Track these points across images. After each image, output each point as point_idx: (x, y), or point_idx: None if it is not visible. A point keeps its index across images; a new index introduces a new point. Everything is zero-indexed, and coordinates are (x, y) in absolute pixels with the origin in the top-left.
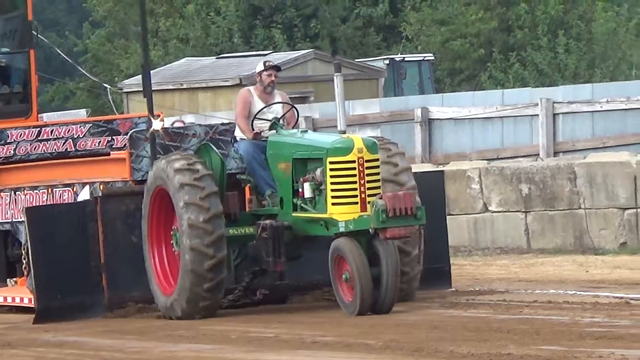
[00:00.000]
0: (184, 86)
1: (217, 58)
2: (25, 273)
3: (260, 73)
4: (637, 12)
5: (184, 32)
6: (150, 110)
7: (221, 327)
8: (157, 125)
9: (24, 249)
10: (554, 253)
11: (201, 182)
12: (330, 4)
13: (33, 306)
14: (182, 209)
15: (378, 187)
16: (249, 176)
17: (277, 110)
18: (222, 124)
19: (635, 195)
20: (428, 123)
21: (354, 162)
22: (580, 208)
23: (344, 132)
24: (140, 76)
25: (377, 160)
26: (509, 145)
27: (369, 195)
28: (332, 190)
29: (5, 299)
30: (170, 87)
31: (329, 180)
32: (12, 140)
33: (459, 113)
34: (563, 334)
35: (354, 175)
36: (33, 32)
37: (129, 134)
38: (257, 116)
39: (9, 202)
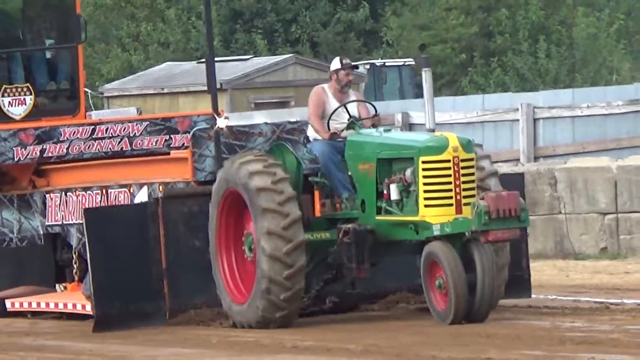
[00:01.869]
0: (165, 90)
1: (197, 62)
2: (77, 278)
3: (337, 71)
4: (617, 17)
5: (165, 36)
6: (215, 107)
7: (202, 331)
8: (221, 123)
9: (74, 253)
10: (534, 258)
11: (279, 186)
12: (311, 9)
13: (89, 313)
14: (260, 214)
15: (474, 188)
16: (324, 178)
17: (353, 109)
18: (289, 122)
19: (615, 201)
20: (409, 128)
21: (448, 161)
22: (560, 213)
23: (433, 131)
24: (122, 80)
25: (472, 159)
26: (490, 150)
27: (465, 197)
28: (425, 191)
29: (56, 305)
30: (152, 91)
31: (421, 180)
32: (65, 139)
33: (440, 118)
34: (543, 339)
35: (449, 176)
36: (81, 26)
37: (190, 133)
38: (330, 117)
39: (60, 204)
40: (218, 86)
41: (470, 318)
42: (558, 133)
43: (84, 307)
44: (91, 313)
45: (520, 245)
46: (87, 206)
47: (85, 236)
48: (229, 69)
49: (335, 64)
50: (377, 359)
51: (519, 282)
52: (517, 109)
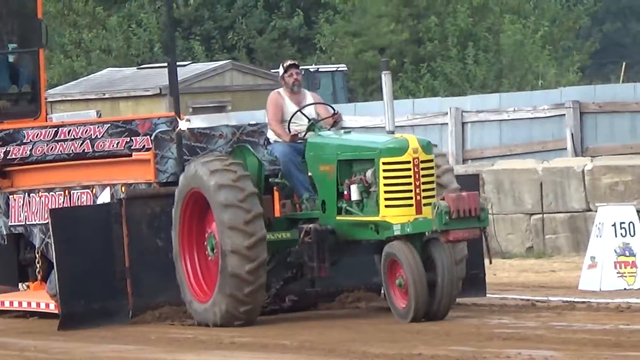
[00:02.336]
0: (107, 95)
1: (138, 68)
2: (39, 277)
3: (282, 77)
4: (542, 24)
5: (106, 43)
6: (177, 110)
7: (142, 328)
8: (183, 125)
9: (37, 253)
10: None
11: (240, 183)
12: (247, 16)
13: (53, 312)
14: (221, 210)
15: (434, 189)
16: (285, 179)
17: (311, 111)
18: (250, 125)
19: (541, 201)
20: None
21: (409, 162)
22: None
23: (393, 133)
24: (65, 85)
25: (432, 160)
26: None
27: (425, 197)
28: (386, 192)
29: (20, 304)
30: (93, 96)
31: (382, 181)
32: (28, 141)
33: (371, 122)
34: (472, 335)
35: (409, 177)
36: (43, 30)
37: (153, 135)
38: (290, 119)
39: (23, 205)
40: (157, 91)
41: (430, 316)
42: (485, 136)
43: (47, 305)
44: (55, 312)
45: (476, 245)
46: (50, 207)
47: (51, 236)
48: (168, 74)
49: (280, 69)
50: (310, 355)
51: (475, 281)
52: (446, 113)
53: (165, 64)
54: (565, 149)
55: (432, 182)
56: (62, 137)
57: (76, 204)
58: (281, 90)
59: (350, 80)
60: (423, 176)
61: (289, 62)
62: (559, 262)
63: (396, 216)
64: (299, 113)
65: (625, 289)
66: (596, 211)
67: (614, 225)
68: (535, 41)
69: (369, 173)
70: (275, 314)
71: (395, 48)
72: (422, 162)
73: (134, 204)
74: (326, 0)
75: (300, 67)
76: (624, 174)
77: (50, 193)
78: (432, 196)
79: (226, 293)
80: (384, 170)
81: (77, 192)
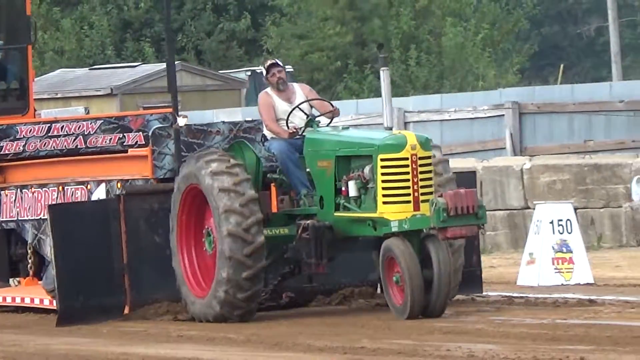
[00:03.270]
0: (59, 95)
1: (90, 69)
2: (31, 273)
3: (266, 77)
4: (483, 27)
5: (59, 44)
6: (175, 107)
7: (97, 322)
8: (181, 122)
9: (29, 249)
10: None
11: (241, 188)
12: (195, 19)
13: (50, 307)
14: (221, 215)
15: (431, 186)
16: (282, 175)
17: (306, 107)
18: (246, 121)
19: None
20: None
21: (407, 159)
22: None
23: (391, 129)
24: None
25: (430, 157)
26: None
27: (423, 194)
28: (384, 188)
29: (14, 299)
30: (46, 96)
31: (379, 178)
32: (22, 137)
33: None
34: (413, 329)
35: (407, 173)
36: (31, 27)
37: (150, 131)
38: (288, 117)
39: (15, 200)
40: (108, 92)
41: (427, 313)
42: (427, 136)
43: (42, 301)
44: (51, 307)
45: (472, 242)
46: (42, 203)
47: (49, 232)
48: (119, 75)
49: (263, 71)
50: (258, 348)
51: (471, 278)
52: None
53: (117, 65)
54: (505, 148)
55: (430, 179)
56: (55, 133)
57: (70, 200)
58: (268, 89)
59: (296, 81)
60: (421, 172)
61: (269, 62)
62: (498, 258)
63: (394, 213)
64: (295, 109)
65: (562, 284)
66: (534, 209)
67: (552, 222)
68: (475, 43)
69: (367, 169)
70: (273, 310)
71: (340, 50)
72: (420, 158)
73: (132, 200)
74: (273, 3)
75: (248, 68)
76: (562, 172)
77: (44, 189)
78: (430, 193)
79: (222, 296)
80: (382, 167)
81: (71, 188)
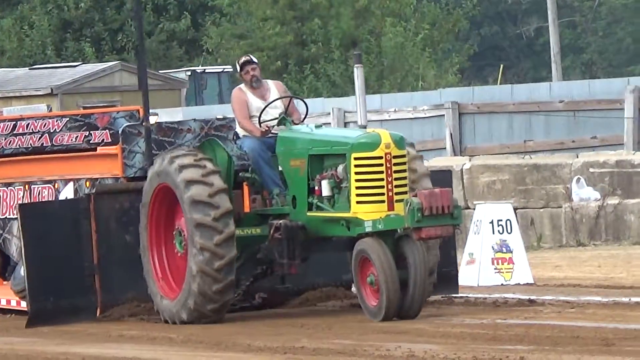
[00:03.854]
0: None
1: (30, 69)
2: None
3: (240, 74)
4: (423, 27)
5: (0, 44)
6: (146, 105)
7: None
8: (151, 120)
9: None
10: None
11: (209, 178)
12: (135, 18)
13: (21, 308)
14: (190, 206)
15: (406, 185)
16: (254, 174)
17: (279, 104)
18: (217, 119)
19: None
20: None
21: (381, 158)
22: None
23: (365, 127)
24: None
25: (404, 156)
26: None
27: (397, 194)
28: (357, 187)
29: None
30: None
31: (353, 177)
32: None
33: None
34: (353, 329)
35: (381, 172)
36: None
37: (120, 129)
38: (260, 115)
39: None
40: (48, 91)
41: (402, 314)
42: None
43: (8, 302)
44: (19, 308)
45: (447, 242)
46: (7, 202)
47: (20, 232)
48: (59, 74)
49: (238, 67)
50: (196, 347)
51: (447, 279)
52: (329, 113)
53: (57, 65)
54: (445, 148)
55: (404, 178)
56: (20, 131)
57: (37, 199)
58: (242, 86)
59: (235, 80)
60: (395, 172)
61: (243, 59)
62: None
63: (368, 212)
64: (267, 107)
65: (502, 284)
66: (474, 209)
67: (492, 222)
68: (415, 44)
69: (340, 168)
70: (245, 311)
71: (280, 50)
72: (395, 157)
73: (102, 199)
74: (213, 4)
75: (188, 68)
76: (501, 172)
77: (9, 188)
78: (405, 192)
79: (194, 290)
80: (356, 166)
81: (38, 187)
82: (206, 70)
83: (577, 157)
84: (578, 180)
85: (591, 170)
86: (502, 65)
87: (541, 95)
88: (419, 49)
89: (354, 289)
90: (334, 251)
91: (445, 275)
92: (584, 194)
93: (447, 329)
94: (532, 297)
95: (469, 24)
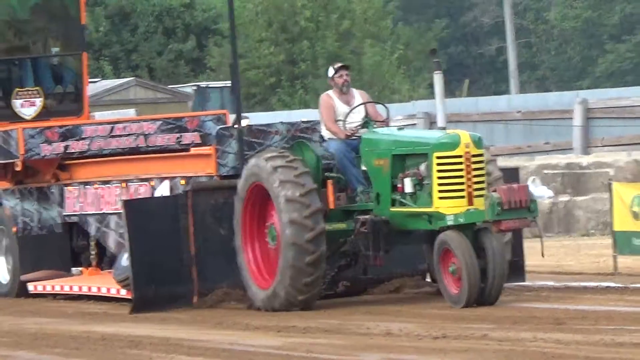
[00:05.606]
0: None
1: None
2: (94, 263)
3: (332, 78)
4: (398, 47)
5: None
6: (239, 110)
7: (60, 303)
8: (243, 123)
9: (92, 241)
10: None
11: (301, 179)
12: (148, 40)
13: (121, 296)
14: (283, 205)
15: (484, 182)
16: (340, 173)
17: (362, 110)
18: (303, 122)
19: None
20: None
21: (461, 156)
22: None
23: (444, 128)
24: None
25: (482, 155)
26: None
27: (476, 189)
28: (439, 184)
29: (89, 288)
30: None
31: (435, 175)
32: (87, 136)
33: None
34: (338, 309)
35: (462, 170)
36: (85, 35)
37: (215, 131)
38: (345, 118)
39: (78, 196)
40: None
41: (481, 301)
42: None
43: (117, 291)
44: (123, 296)
45: (517, 234)
46: (105, 198)
47: (126, 225)
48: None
49: (330, 71)
50: (202, 326)
51: (516, 268)
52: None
53: None
54: None
55: (482, 175)
56: (117, 133)
57: (133, 196)
58: (330, 92)
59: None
60: (474, 169)
61: (339, 64)
62: None
63: (449, 207)
64: (350, 113)
65: None
66: None
67: None
68: (391, 62)
69: (422, 167)
70: (329, 298)
71: (274, 67)
72: (474, 156)
73: (199, 195)
74: (215, 27)
75: (194, 84)
76: None
77: (107, 185)
78: (483, 188)
79: (286, 283)
80: (438, 164)
81: (134, 185)
82: (209, 86)
83: (533, 160)
84: (533, 180)
85: (545, 171)
86: (467, 80)
87: (501, 106)
88: (395, 67)
89: (428, 278)
90: (416, 244)
91: (514, 264)
92: (539, 193)
93: (420, 310)
94: None
95: (439, 44)
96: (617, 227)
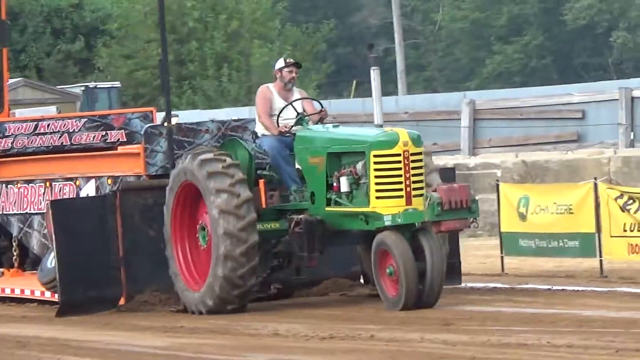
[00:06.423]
0: None
1: None
2: (16, 265)
3: (281, 70)
4: (286, 48)
5: None
6: (168, 106)
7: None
8: (172, 121)
9: (14, 241)
10: None
11: (230, 170)
12: (36, 41)
13: (46, 299)
14: (213, 196)
15: (422, 181)
16: (273, 172)
17: (298, 106)
18: (234, 120)
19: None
20: None
21: (399, 155)
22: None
23: (381, 126)
24: None
25: (421, 153)
26: None
27: (415, 189)
28: (377, 183)
29: (12, 290)
30: None
31: (372, 174)
32: (10, 134)
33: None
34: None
35: (399, 169)
36: (6, 31)
37: (143, 129)
38: (279, 114)
39: None
40: None
41: (420, 304)
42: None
43: (41, 293)
44: (50, 299)
45: (452, 235)
46: (29, 198)
47: (52, 226)
48: None
49: (280, 63)
50: (88, 327)
51: (452, 270)
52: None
53: None
54: None
55: (421, 174)
56: (42, 131)
57: (58, 196)
58: (271, 85)
59: (123, 95)
60: (413, 168)
61: (292, 60)
62: None
63: (387, 207)
64: (287, 107)
65: None
66: None
67: None
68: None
69: (359, 165)
70: (260, 301)
71: None
72: (412, 154)
73: (128, 195)
74: (104, 28)
75: (82, 84)
76: None
77: (30, 184)
78: (422, 188)
79: (219, 275)
80: (375, 163)
81: (59, 184)
82: (98, 86)
83: None
84: None
85: None
86: (355, 81)
87: (389, 107)
88: None
89: (362, 280)
90: (351, 244)
91: (450, 266)
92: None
93: (309, 310)
94: None
95: (327, 46)
96: (504, 228)
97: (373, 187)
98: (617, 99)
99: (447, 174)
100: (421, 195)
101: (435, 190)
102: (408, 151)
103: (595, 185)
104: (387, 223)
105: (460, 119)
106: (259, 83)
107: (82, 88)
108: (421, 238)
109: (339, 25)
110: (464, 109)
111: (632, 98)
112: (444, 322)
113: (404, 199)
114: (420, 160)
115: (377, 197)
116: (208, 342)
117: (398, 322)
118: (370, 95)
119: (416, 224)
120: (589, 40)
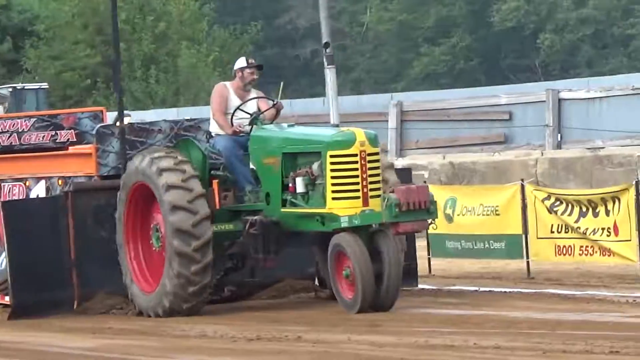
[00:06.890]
0: None
1: None
2: None
3: (242, 69)
4: (214, 50)
5: None
6: (121, 106)
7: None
8: (124, 120)
9: None
10: None
11: (189, 184)
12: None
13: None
14: (170, 211)
15: (379, 182)
16: (226, 172)
17: (253, 105)
18: (187, 120)
19: None
20: None
21: (356, 155)
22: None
23: (337, 126)
24: None
25: (378, 153)
26: None
27: (372, 190)
28: (333, 184)
29: None
30: None
31: (329, 174)
32: None
33: None
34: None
35: (356, 169)
36: None
37: (94, 129)
38: (233, 113)
39: None
40: None
41: (376, 307)
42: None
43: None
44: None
45: (408, 237)
46: None
47: (4, 228)
48: None
49: (241, 62)
50: (17, 328)
51: (408, 272)
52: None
53: None
54: None
55: (378, 175)
56: None
57: (7, 197)
58: (228, 83)
59: (51, 96)
60: (370, 169)
61: (255, 62)
62: None
63: (343, 208)
64: (244, 105)
65: None
66: None
67: None
68: (207, 64)
69: (315, 166)
70: (214, 304)
71: (90, 69)
72: (369, 154)
73: (79, 196)
74: (32, 29)
75: (9, 85)
76: None
77: None
78: (379, 189)
79: (171, 290)
80: (332, 163)
81: (8, 185)
82: (25, 87)
83: None
84: None
85: None
86: (282, 83)
87: (316, 108)
88: (210, 69)
89: (316, 282)
90: (307, 246)
91: (406, 268)
92: None
93: (238, 312)
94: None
95: (254, 47)
96: (431, 230)
97: (329, 188)
98: (544, 101)
99: (404, 175)
100: (378, 196)
101: (393, 191)
102: (365, 151)
103: (522, 186)
104: (344, 224)
105: (387, 121)
106: (186, 84)
107: (10, 89)
108: (378, 240)
109: (266, 27)
110: (392, 111)
111: (559, 100)
112: (372, 323)
113: (360, 200)
114: (377, 161)
115: (334, 198)
116: (136, 344)
117: (326, 324)
118: (299, 97)
119: (373, 226)
120: (516, 42)
